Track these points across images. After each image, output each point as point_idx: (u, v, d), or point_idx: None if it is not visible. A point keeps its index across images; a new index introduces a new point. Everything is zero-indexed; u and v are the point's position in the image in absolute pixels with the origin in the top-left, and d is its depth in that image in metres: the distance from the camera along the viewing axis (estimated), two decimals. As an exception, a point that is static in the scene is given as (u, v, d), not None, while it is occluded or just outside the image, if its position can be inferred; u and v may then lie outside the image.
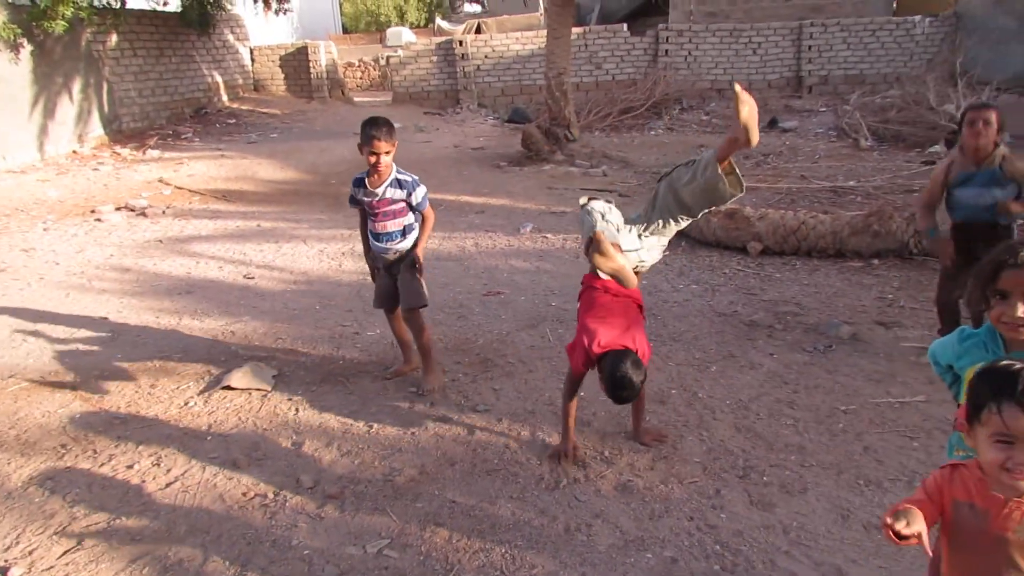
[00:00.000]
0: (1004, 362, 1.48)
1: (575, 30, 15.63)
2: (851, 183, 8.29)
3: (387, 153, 3.69)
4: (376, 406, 3.79)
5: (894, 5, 18.09)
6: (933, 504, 1.58)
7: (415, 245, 3.93)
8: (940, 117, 10.72)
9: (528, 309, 5.14)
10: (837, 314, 4.72)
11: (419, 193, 3.82)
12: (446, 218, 7.91)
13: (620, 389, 2.81)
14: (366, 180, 3.81)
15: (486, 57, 16.13)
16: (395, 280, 3.95)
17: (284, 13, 16.28)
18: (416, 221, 3.93)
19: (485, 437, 3.46)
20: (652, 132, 13.53)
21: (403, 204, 3.82)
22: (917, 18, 15.33)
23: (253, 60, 16.34)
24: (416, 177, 3.86)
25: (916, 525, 1.45)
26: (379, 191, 3.77)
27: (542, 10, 12.70)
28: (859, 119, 11.73)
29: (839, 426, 3.39)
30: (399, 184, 3.79)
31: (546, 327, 4.79)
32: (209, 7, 14.14)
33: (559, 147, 10.87)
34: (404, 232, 3.87)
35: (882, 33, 15.31)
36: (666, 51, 15.66)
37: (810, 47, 15.42)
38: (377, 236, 3.88)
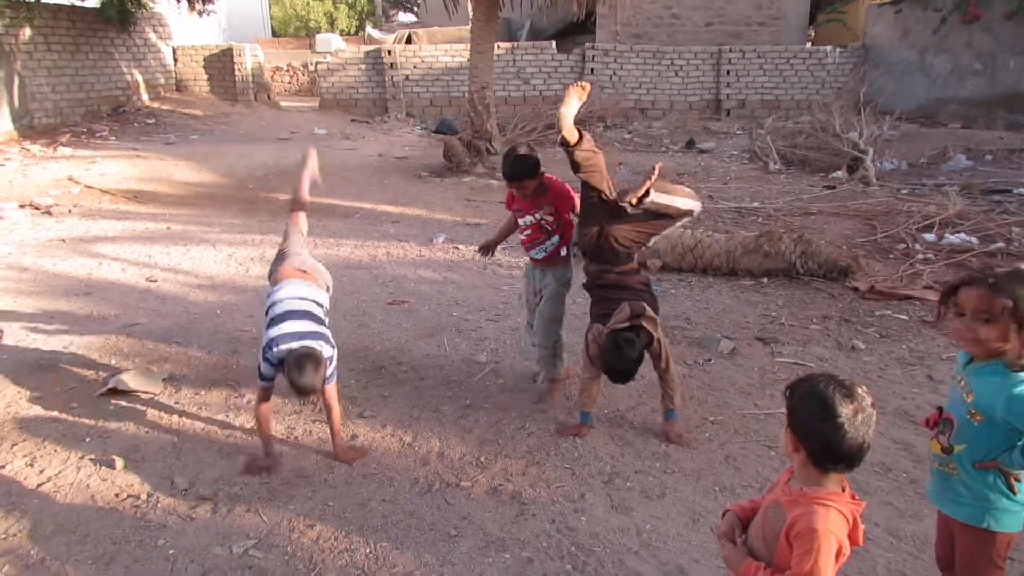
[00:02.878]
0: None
1: (504, 45, 15.88)
2: (755, 204, 8.66)
3: None
4: (262, 411, 3.79)
5: (811, 34, 18.99)
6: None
7: None
8: (844, 144, 11.28)
9: (430, 318, 5.22)
10: (722, 329, 4.95)
11: None
12: (360, 227, 7.94)
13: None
14: None
15: (415, 67, 16.19)
16: None
17: (208, 14, 15.97)
18: None
19: (367, 442, 3.52)
20: (576, 148, 13.76)
21: None
22: (828, 48, 16.11)
23: (176, 60, 15.96)
24: None
25: (723, 527, 1.79)
26: None
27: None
28: (770, 143, 12.24)
29: (706, 435, 3.57)
30: None
31: (444, 336, 4.87)
32: (130, 4, 13.78)
33: (480, 160, 11.00)
34: None
35: (796, 61, 16.02)
36: (592, 69, 16.02)
37: (729, 72, 16.01)
38: None
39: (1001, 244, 6.43)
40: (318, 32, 24.80)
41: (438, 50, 16.36)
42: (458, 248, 7.13)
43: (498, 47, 15.44)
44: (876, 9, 15.87)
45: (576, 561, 2.65)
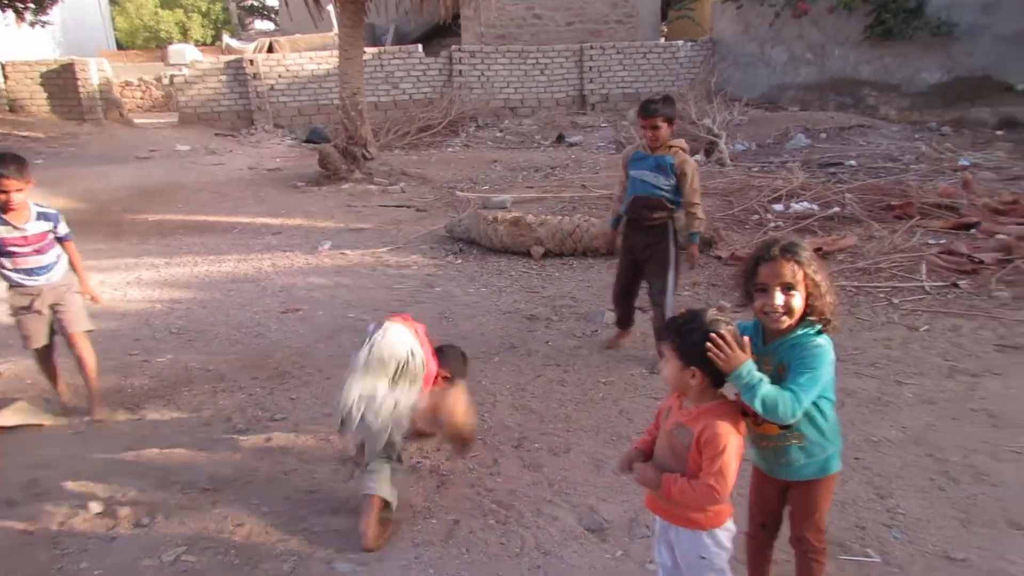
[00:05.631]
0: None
1: (370, 50, 15.87)
2: (624, 190, 9.19)
3: (19, 191, 3.59)
4: (169, 428, 3.78)
5: (664, 30, 20.13)
6: (656, 424, 2.10)
7: (78, 278, 3.96)
8: (700, 130, 12.12)
9: (326, 322, 5.30)
10: (605, 304, 5.33)
11: (63, 224, 3.85)
12: (241, 241, 7.83)
13: None
14: (6, 218, 3.65)
15: (280, 76, 15.90)
16: (52, 315, 3.89)
17: (42, 26, 14.91)
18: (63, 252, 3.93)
19: (284, 443, 3.60)
20: (450, 149, 14.05)
21: (52, 236, 3.82)
22: (680, 43, 17.18)
23: (6, 77, 14.83)
24: (57, 210, 3.86)
25: (629, 457, 2.04)
26: (28, 227, 3.70)
27: (336, 30, 12.78)
28: (634, 133, 12.95)
29: (599, 395, 3.91)
30: (44, 216, 3.77)
31: (344, 337, 4.98)
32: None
33: (357, 166, 11.03)
34: (58, 262, 3.86)
35: (652, 56, 16.97)
36: (460, 71, 16.31)
37: (591, 68, 16.74)
38: (30, 272, 3.78)
39: (837, 209, 7.24)
40: (170, 43, 23.71)
41: (303, 58, 16.14)
42: (345, 253, 7.19)
43: (365, 52, 15.46)
44: (720, 6, 17.05)
45: (499, 516, 2.89)
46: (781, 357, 1.95)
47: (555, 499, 2.99)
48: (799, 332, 1.95)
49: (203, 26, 27.94)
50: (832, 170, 9.60)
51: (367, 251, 7.23)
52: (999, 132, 12.03)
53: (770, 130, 12.77)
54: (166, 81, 19.35)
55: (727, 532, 2.00)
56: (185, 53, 19.52)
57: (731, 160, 10.78)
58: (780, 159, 10.72)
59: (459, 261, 6.79)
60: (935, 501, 2.77)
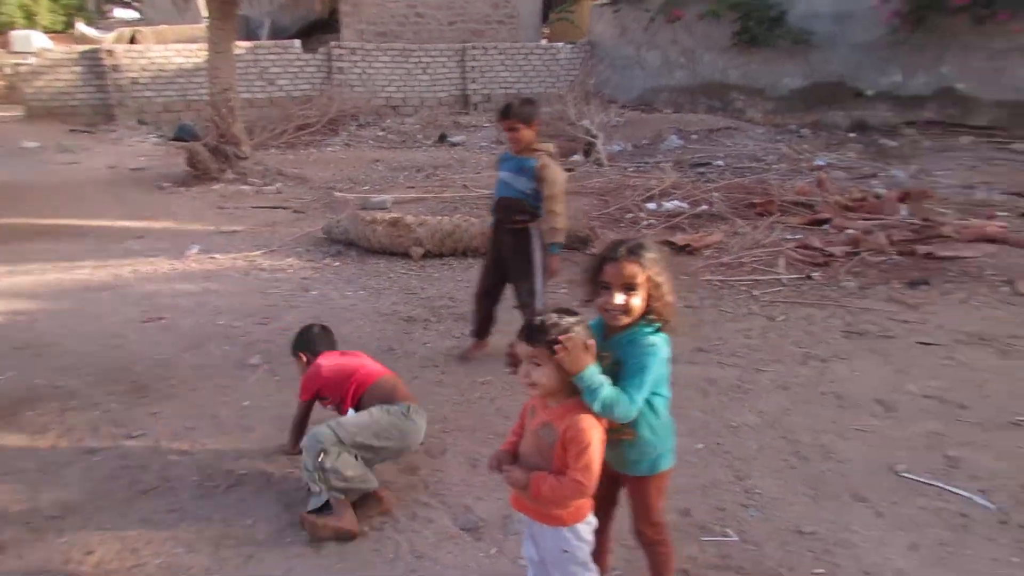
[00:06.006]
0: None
1: (244, 45, 15.27)
2: (505, 189, 9.26)
3: None
4: (9, 455, 3.45)
5: (546, 31, 20.44)
6: (522, 424, 2.13)
7: None
8: (578, 130, 12.39)
9: (193, 331, 5.03)
10: (484, 303, 5.36)
11: None
12: (98, 246, 7.31)
13: None
14: None
15: (144, 69, 14.98)
16: None
17: None
18: None
19: (143, 461, 3.38)
20: (329, 148, 13.71)
21: None
22: (560, 44, 17.51)
23: None
24: None
25: (498, 458, 2.05)
26: None
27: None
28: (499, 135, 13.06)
29: (477, 395, 3.91)
30: None
31: (212, 346, 4.75)
32: None
33: (229, 165, 10.57)
34: None
35: (533, 56, 17.21)
36: (340, 68, 15.95)
37: (473, 68, 16.79)
38: None
39: (705, 207, 7.59)
40: (12, 28, 21.77)
41: (170, 50, 15.28)
42: (215, 258, 6.87)
43: (238, 46, 14.82)
44: (598, 9, 17.52)
45: (372, 522, 2.83)
46: (619, 353, 2.01)
47: (431, 501, 2.97)
48: (636, 329, 2.02)
49: (52, 11, 25.74)
50: (702, 170, 10.06)
51: (239, 255, 6.94)
52: (851, 134, 12.96)
53: (645, 131, 13.22)
54: (8, 70, 17.79)
55: (588, 526, 2.04)
56: (31, 40, 17.93)
57: (608, 160, 11.08)
58: (654, 159, 11.12)
59: (337, 263, 6.63)
60: (788, 480, 2.94)
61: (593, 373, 1.92)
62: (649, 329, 2.02)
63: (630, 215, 7.59)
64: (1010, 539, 2.55)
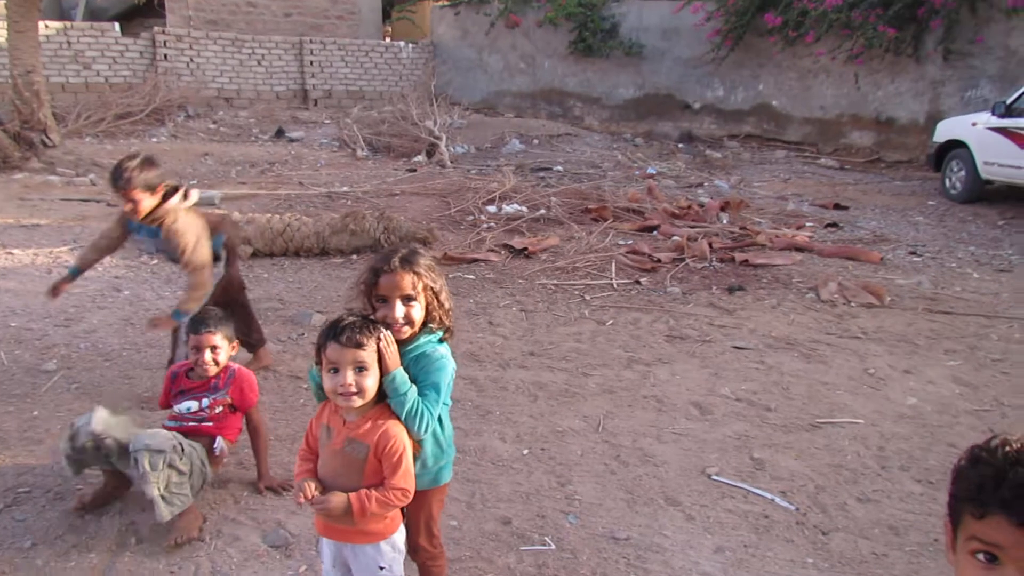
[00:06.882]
0: (340, 315, 1.90)
1: (54, 25, 13.89)
2: (344, 188, 9.01)
3: None
4: None
5: (389, 30, 20.12)
6: (311, 446, 2.01)
7: None
8: (421, 131, 12.30)
9: (-26, 336, 4.46)
10: (315, 305, 5.14)
11: None
12: None
13: None
14: None
15: (-69, 45, 13.23)
16: None
17: None
18: None
19: None
20: (154, 139, 12.74)
21: None
22: (402, 43, 17.29)
23: None
24: None
25: (310, 490, 1.86)
26: None
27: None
28: (357, 131, 12.78)
29: (300, 402, 3.72)
30: None
31: (2, 350, 4.23)
32: None
33: (35, 153, 9.56)
34: None
35: (374, 54, 16.87)
36: (165, 55, 14.85)
37: (312, 62, 16.19)
38: None
39: (543, 211, 7.74)
40: None
41: (-36, 27, 13.58)
42: (12, 253, 6.16)
43: (47, 26, 13.46)
44: (439, 11, 17.47)
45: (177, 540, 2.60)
46: (407, 368, 1.96)
47: (239, 517, 2.76)
48: (421, 341, 1.97)
49: None
50: (542, 174, 10.29)
51: (41, 250, 6.27)
52: (680, 144, 13.76)
53: (488, 134, 13.35)
54: None
55: (401, 535, 2.00)
56: None
57: (451, 162, 11.07)
58: (496, 162, 11.24)
59: (155, 262, 6.13)
60: (607, 485, 3.00)
61: (404, 373, 1.87)
62: (434, 339, 1.99)
63: (470, 217, 7.59)
64: (805, 540, 2.69)
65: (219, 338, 2.88)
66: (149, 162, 3.32)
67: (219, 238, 3.78)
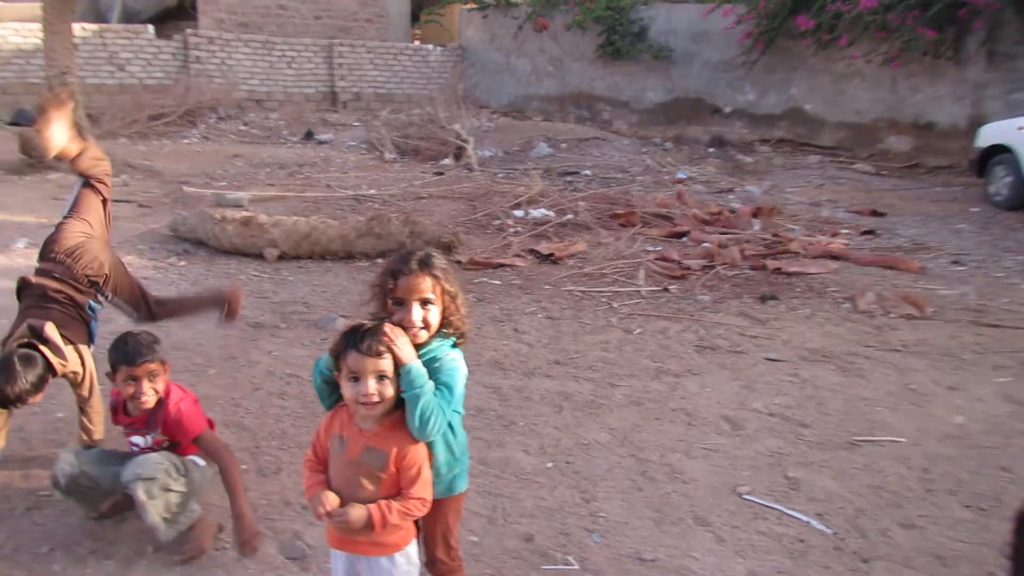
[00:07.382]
0: (359, 321, 1.84)
1: (91, 27, 14.12)
2: (372, 191, 8.99)
3: None
4: None
5: (417, 33, 20.19)
6: (319, 457, 1.94)
7: None
8: (449, 134, 12.26)
9: (5, 333, 4.47)
10: (339, 309, 5.09)
11: None
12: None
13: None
14: None
15: (-28, 47, 13.53)
16: None
17: None
18: None
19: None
20: (186, 140, 12.87)
21: None
22: (431, 47, 17.32)
23: None
24: None
25: (329, 503, 1.81)
26: None
27: (40, -1, 11.17)
28: (385, 134, 12.79)
29: (321, 409, 3.65)
30: None
31: None
32: None
33: (67, 154, 9.67)
34: None
35: (403, 57, 16.92)
36: (197, 58, 15.03)
37: (341, 65, 16.29)
38: None
39: (571, 216, 7.64)
40: None
41: (7, 29, 13.86)
42: (43, 254, 6.21)
43: (84, 28, 13.70)
44: (467, 14, 17.46)
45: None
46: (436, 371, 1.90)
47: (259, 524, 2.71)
48: (435, 345, 1.92)
49: None
50: (569, 179, 10.19)
51: (69, 250, 6.30)
52: (711, 149, 13.57)
53: (515, 138, 13.28)
54: None
55: (415, 547, 1.95)
56: None
57: (479, 165, 11.02)
58: (524, 166, 11.17)
59: (183, 263, 6.16)
60: (634, 502, 2.89)
61: (420, 366, 1.82)
62: (448, 344, 1.94)
63: (497, 221, 7.52)
64: (844, 567, 2.56)
65: (155, 366, 2.57)
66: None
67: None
